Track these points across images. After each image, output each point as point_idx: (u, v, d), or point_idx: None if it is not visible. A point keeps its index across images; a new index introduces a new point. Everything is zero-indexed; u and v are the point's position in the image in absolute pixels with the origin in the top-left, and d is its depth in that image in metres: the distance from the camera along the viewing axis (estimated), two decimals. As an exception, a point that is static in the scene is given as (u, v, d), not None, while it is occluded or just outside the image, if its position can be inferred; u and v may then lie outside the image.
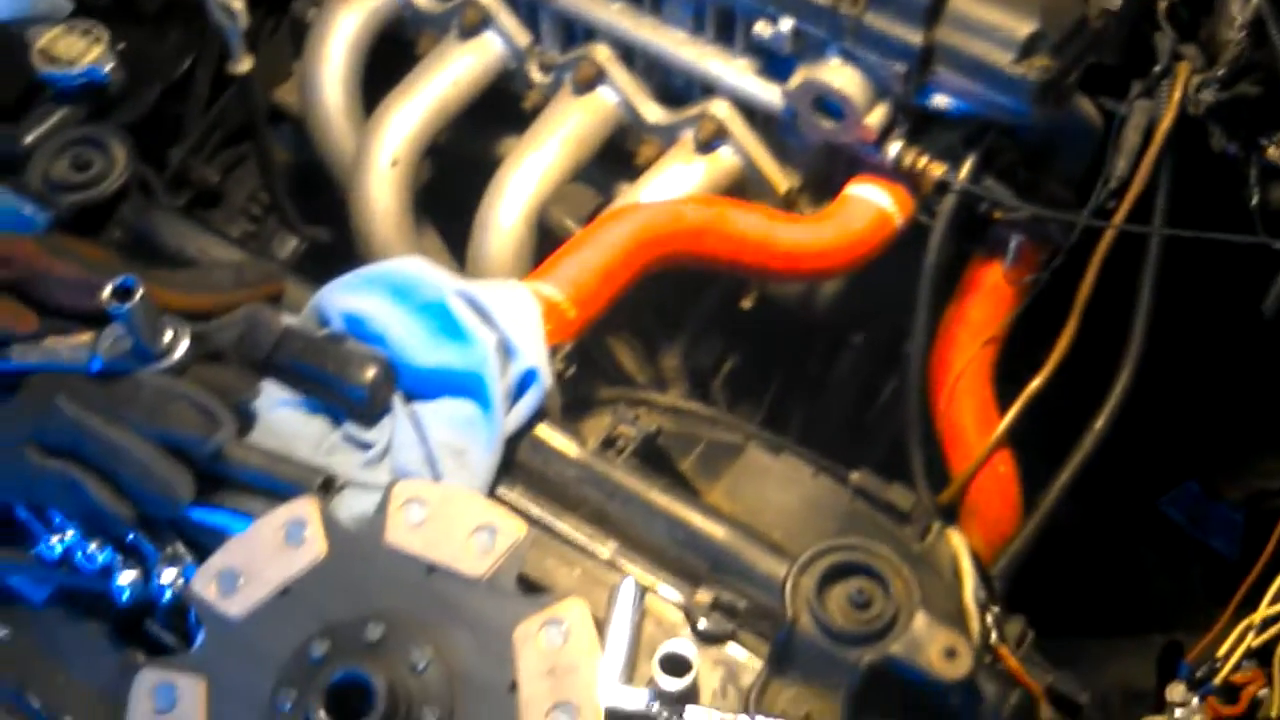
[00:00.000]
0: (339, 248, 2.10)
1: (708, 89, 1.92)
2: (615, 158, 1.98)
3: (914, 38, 1.68)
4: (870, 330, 2.14)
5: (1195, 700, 1.39)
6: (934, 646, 1.24)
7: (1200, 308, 1.91)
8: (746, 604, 1.35)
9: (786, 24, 1.76)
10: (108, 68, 1.81)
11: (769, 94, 1.86)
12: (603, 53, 1.95)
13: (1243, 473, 2.15)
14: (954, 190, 1.78)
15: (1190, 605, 2.00)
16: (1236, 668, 1.39)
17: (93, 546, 1.39)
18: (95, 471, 1.37)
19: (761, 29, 1.79)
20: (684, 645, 1.23)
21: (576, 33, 2.00)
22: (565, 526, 1.43)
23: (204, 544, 1.37)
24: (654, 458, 1.55)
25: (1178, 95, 1.67)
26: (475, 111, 2.04)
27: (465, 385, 1.47)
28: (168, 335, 1.43)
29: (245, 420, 1.45)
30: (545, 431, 1.49)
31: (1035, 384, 1.77)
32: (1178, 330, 1.82)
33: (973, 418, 1.81)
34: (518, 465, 1.47)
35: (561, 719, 1.20)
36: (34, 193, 1.66)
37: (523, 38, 2.01)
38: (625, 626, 1.29)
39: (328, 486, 1.39)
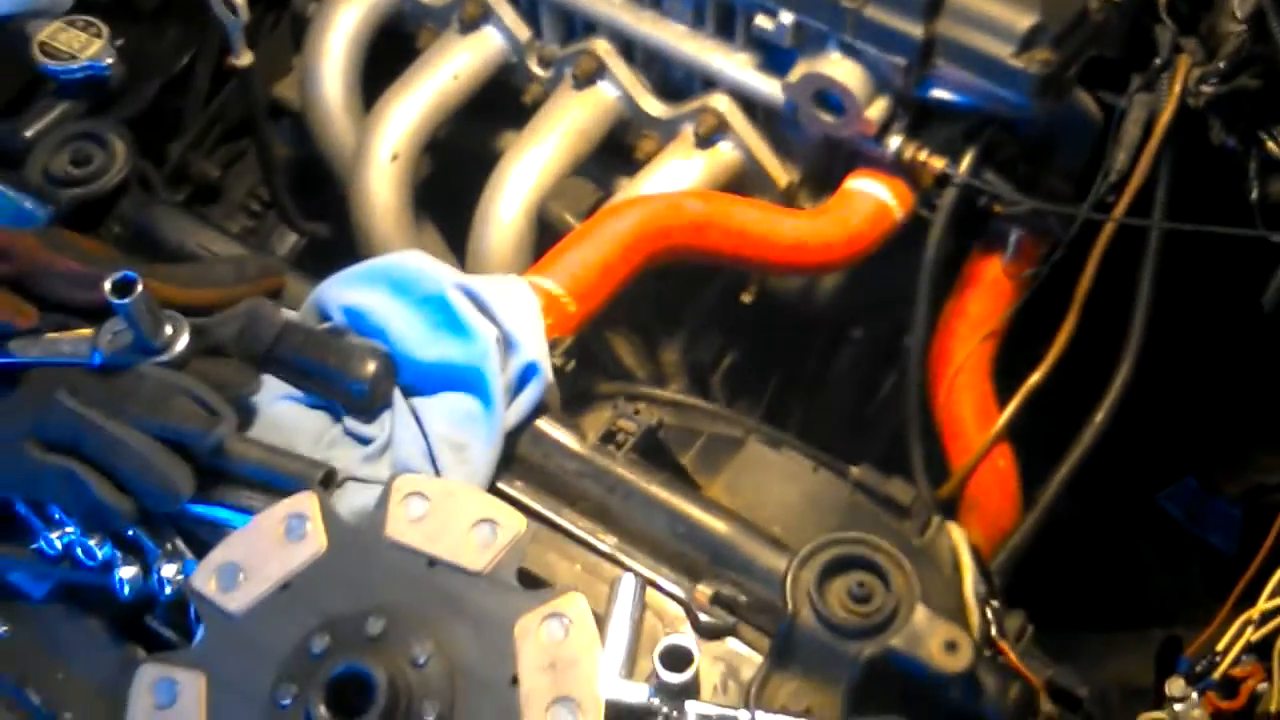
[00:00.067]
0: (339, 243, 2.10)
1: (708, 83, 1.92)
2: (615, 152, 1.98)
3: (914, 30, 1.68)
4: (870, 324, 2.14)
5: (1194, 695, 1.39)
6: (934, 640, 1.24)
7: (1200, 302, 1.91)
8: (747, 598, 1.35)
9: (787, 17, 1.76)
10: (108, 62, 1.81)
11: (769, 88, 1.86)
12: (603, 47, 1.95)
13: (1241, 468, 2.15)
14: (954, 184, 1.78)
15: (1189, 600, 2.00)
16: (1235, 662, 1.39)
17: (93, 542, 1.38)
18: (95, 466, 1.37)
19: (762, 22, 1.78)
20: (685, 639, 1.23)
21: (576, 27, 2.00)
22: (566, 521, 1.43)
23: (204, 539, 1.37)
24: (654, 452, 1.55)
25: (1178, 88, 1.67)
26: (475, 106, 2.04)
27: (465, 379, 1.47)
28: (168, 329, 1.42)
29: (245, 415, 1.45)
30: (546, 425, 1.49)
31: (1035, 378, 1.77)
32: (1177, 324, 1.81)
33: (972, 412, 1.81)
34: (518, 459, 1.47)
35: (562, 713, 1.20)
36: (34, 187, 1.66)
37: (523, 32, 2.01)
38: (626, 621, 1.29)
39: (328, 481, 1.39)
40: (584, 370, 1.62)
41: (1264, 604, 1.42)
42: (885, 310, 2.01)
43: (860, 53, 1.74)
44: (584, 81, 1.95)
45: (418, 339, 1.49)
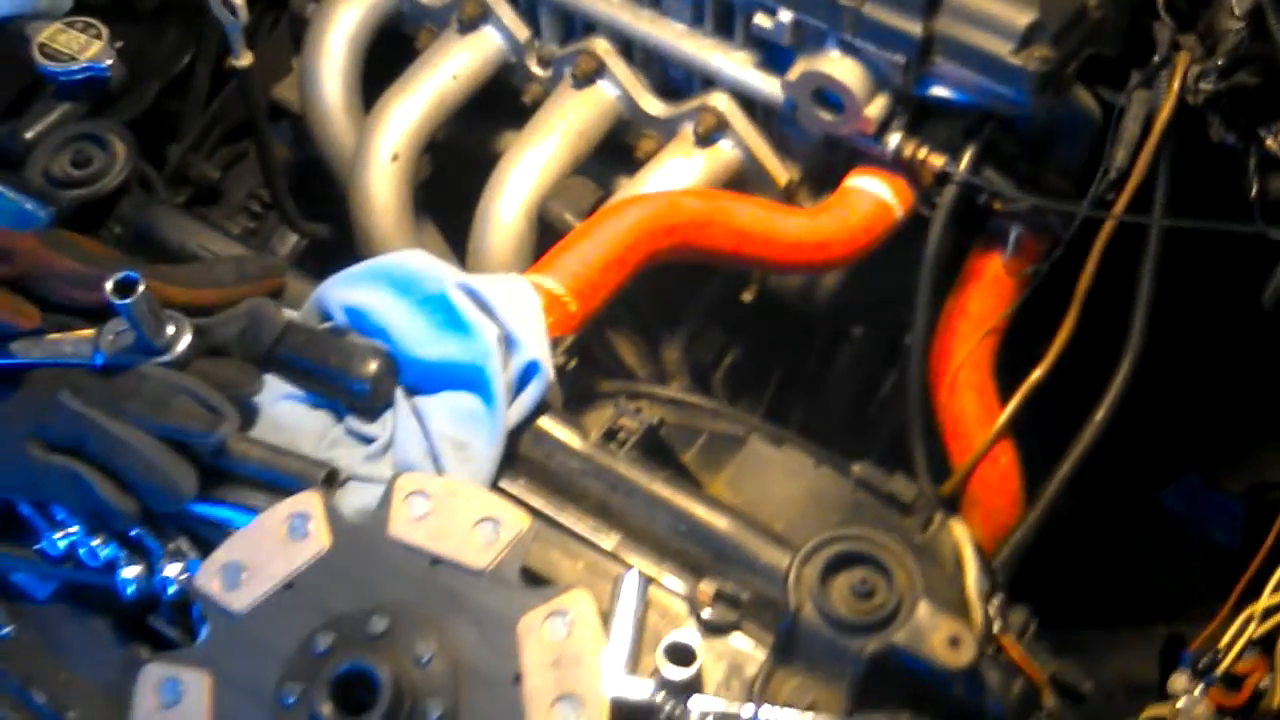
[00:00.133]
0: (339, 243, 2.10)
1: (707, 82, 1.92)
2: (615, 151, 1.98)
3: (913, 28, 1.68)
4: (871, 323, 2.14)
5: (1198, 690, 1.39)
6: (937, 635, 1.24)
7: (1200, 299, 1.92)
8: (750, 594, 1.35)
9: (786, 15, 1.76)
10: (107, 63, 1.81)
11: (769, 86, 1.86)
12: (602, 46, 1.95)
13: (1243, 464, 2.15)
14: (954, 181, 1.78)
15: (1192, 597, 2.00)
16: (1239, 657, 1.40)
17: (96, 542, 1.39)
18: (98, 467, 1.37)
19: (761, 21, 1.78)
20: (688, 635, 1.23)
21: (576, 26, 2.00)
22: (568, 519, 1.43)
23: (207, 538, 1.37)
24: (656, 450, 1.55)
25: (1176, 85, 1.66)
26: (475, 106, 2.04)
27: (467, 378, 1.47)
28: (170, 330, 1.43)
29: (248, 415, 1.45)
30: (547, 424, 1.49)
31: (1036, 375, 1.77)
32: (1178, 321, 1.81)
33: (974, 409, 1.81)
34: (520, 458, 1.47)
35: (566, 710, 1.20)
36: (35, 189, 1.66)
37: (522, 32, 2.01)
38: (629, 618, 1.30)
39: (331, 480, 1.39)
40: (585, 369, 1.62)
41: (1267, 599, 1.42)
42: (886, 308, 2.01)
43: (859, 51, 1.74)
44: (583, 81, 1.95)
45: (419, 338, 1.49)
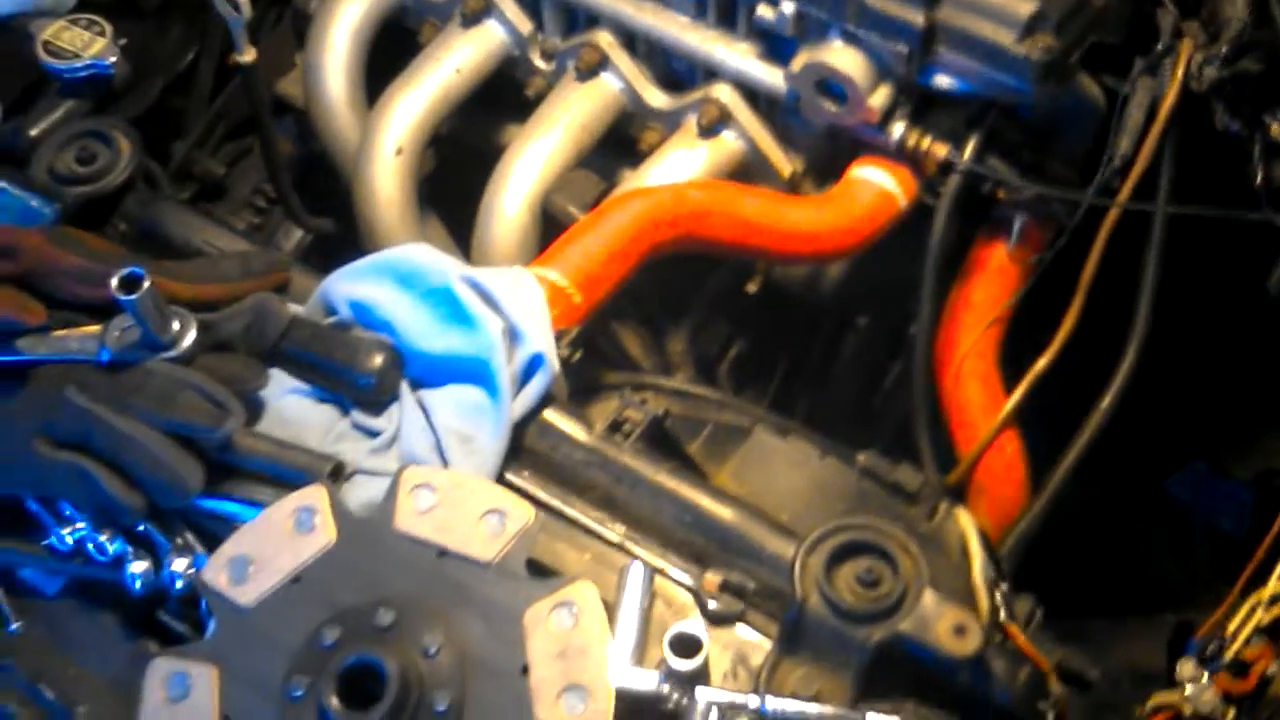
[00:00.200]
0: (344, 238, 2.10)
1: (710, 73, 1.92)
2: (619, 144, 1.98)
3: (916, 18, 1.68)
4: (876, 313, 2.14)
5: (1205, 677, 1.39)
6: (943, 624, 1.24)
7: (1205, 286, 1.91)
8: (755, 584, 1.36)
9: (788, 6, 1.76)
10: (111, 60, 1.82)
11: (772, 77, 1.86)
12: (605, 39, 1.95)
13: (1250, 451, 2.15)
14: (958, 171, 1.78)
15: (1198, 584, 2.00)
16: (1246, 644, 1.39)
17: (104, 537, 1.39)
18: (105, 462, 1.37)
19: (764, 12, 1.79)
20: (694, 626, 1.23)
21: (578, 19, 2.00)
22: (574, 510, 1.43)
23: (214, 533, 1.38)
24: (661, 441, 1.55)
25: (1180, 73, 1.66)
26: (479, 99, 2.05)
27: (472, 371, 1.47)
28: (175, 325, 1.43)
29: (253, 409, 1.46)
30: (553, 416, 1.49)
31: (1041, 363, 1.76)
32: (1183, 309, 1.81)
33: (979, 398, 1.81)
34: (526, 450, 1.47)
35: (573, 701, 1.20)
36: (40, 185, 1.67)
37: (525, 25, 2.01)
38: (635, 609, 1.30)
39: (337, 474, 1.40)
40: (591, 361, 1.62)
41: (1274, 586, 1.42)
42: (891, 298, 2.01)
43: (862, 41, 1.74)
44: (586, 74, 1.95)
45: (424, 331, 1.49)
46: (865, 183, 1.83)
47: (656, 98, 1.95)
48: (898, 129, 1.80)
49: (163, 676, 1.26)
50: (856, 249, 1.84)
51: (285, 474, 1.39)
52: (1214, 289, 1.92)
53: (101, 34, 1.82)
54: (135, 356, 1.42)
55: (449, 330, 1.49)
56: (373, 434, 1.47)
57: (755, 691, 1.25)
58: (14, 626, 1.41)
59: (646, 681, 1.23)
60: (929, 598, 1.26)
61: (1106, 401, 1.76)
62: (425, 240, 1.88)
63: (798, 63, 1.78)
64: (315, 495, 1.34)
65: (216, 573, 1.31)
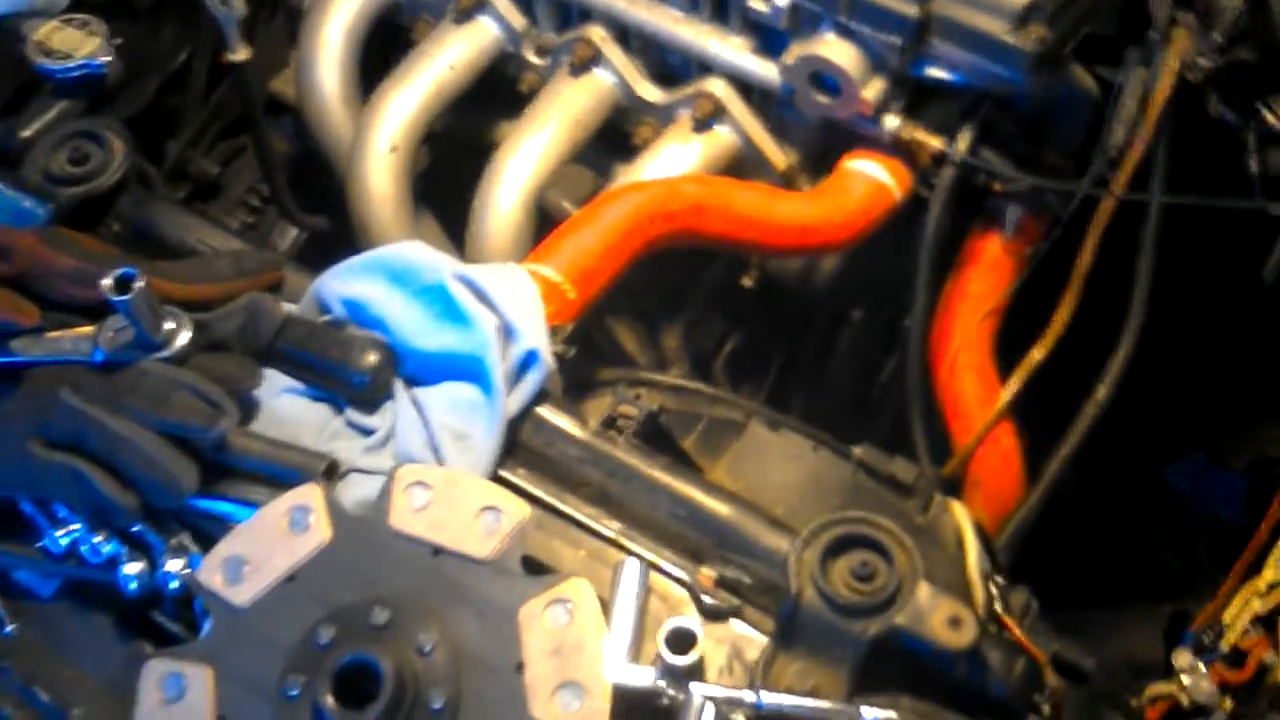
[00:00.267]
0: (340, 236, 2.10)
1: (704, 67, 1.92)
2: (612, 139, 1.98)
3: (909, 10, 1.68)
4: (872, 306, 2.14)
5: (1202, 666, 1.39)
6: (938, 616, 1.24)
7: (1201, 276, 1.91)
8: (750, 579, 1.36)
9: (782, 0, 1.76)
10: (104, 60, 1.82)
11: (765, 71, 1.86)
12: (598, 34, 1.95)
13: (1247, 440, 2.15)
14: (952, 163, 1.78)
15: (1197, 574, 1.99)
16: (1242, 634, 1.39)
17: (98, 539, 1.39)
18: (99, 463, 1.37)
19: (757, 5, 1.79)
20: (689, 621, 1.23)
21: (572, 14, 2.00)
22: (569, 506, 1.43)
23: (209, 533, 1.38)
24: (656, 436, 1.55)
25: (1174, 63, 1.66)
26: (472, 96, 2.04)
27: (466, 368, 1.47)
28: (169, 325, 1.43)
29: (248, 409, 1.46)
30: (547, 412, 1.49)
31: (1036, 355, 1.76)
32: (1179, 299, 1.81)
33: (974, 390, 1.81)
34: (520, 447, 1.47)
35: (568, 698, 1.20)
36: (33, 186, 1.67)
37: (518, 20, 2.01)
38: (630, 604, 1.30)
39: (331, 472, 1.40)
40: (586, 357, 1.62)
41: (1269, 575, 1.42)
42: (886, 291, 2.01)
43: (855, 33, 1.74)
44: (580, 69, 1.95)
45: (418, 329, 1.49)
46: (859, 175, 1.83)
47: (650, 92, 1.95)
48: (891, 121, 1.79)
49: (158, 677, 1.26)
50: (851, 242, 1.84)
51: (280, 473, 1.39)
52: (1209, 278, 1.92)
53: (94, 34, 1.82)
54: (129, 357, 1.42)
55: (443, 327, 1.49)
56: (367, 432, 1.47)
57: (751, 686, 1.25)
58: (9, 629, 1.41)
59: (642, 677, 1.23)
60: (924, 591, 1.26)
61: (1102, 392, 1.76)
62: (420, 237, 1.88)
63: (791, 56, 1.78)
64: (310, 494, 1.34)
65: (211, 573, 1.31)
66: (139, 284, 1.36)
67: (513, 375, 1.47)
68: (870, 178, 1.82)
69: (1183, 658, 1.40)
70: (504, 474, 1.44)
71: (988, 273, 1.85)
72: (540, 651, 1.22)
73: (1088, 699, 1.39)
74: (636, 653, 1.27)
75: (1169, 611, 1.71)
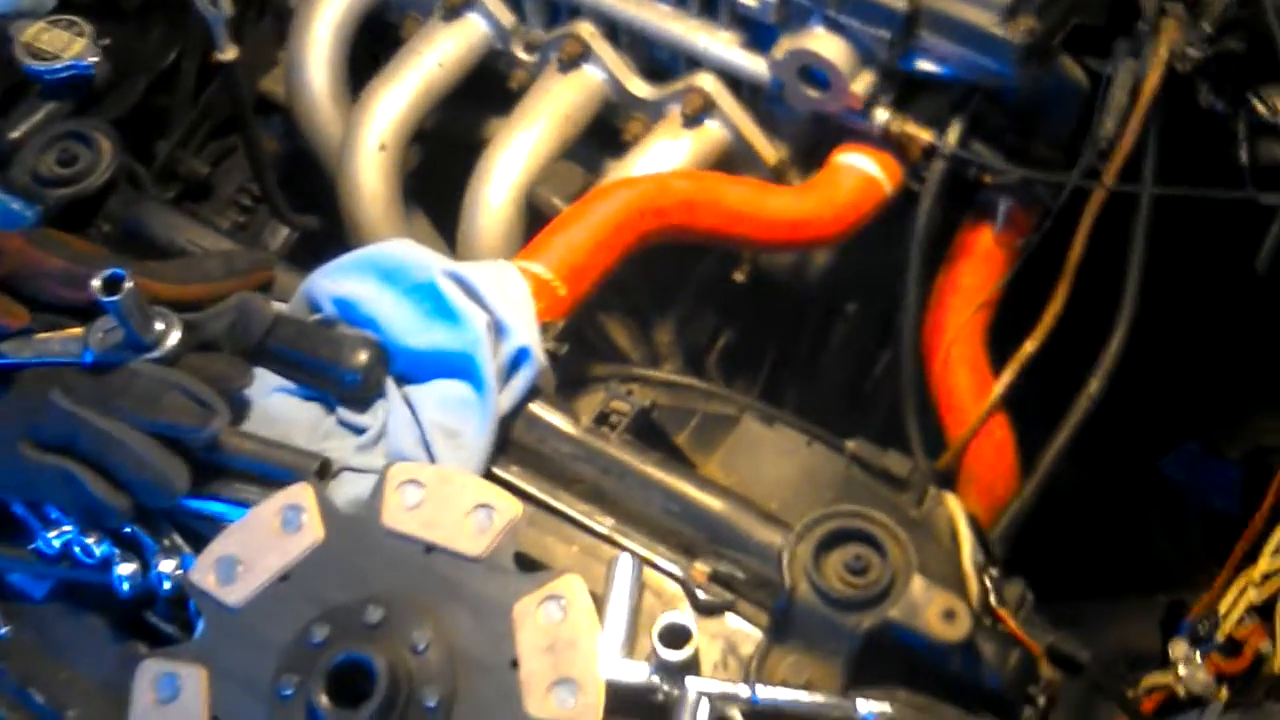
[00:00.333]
0: (331, 235, 2.09)
1: (693, 62, 1.92)
2: (603, 135, 1.98)
3: (898, 3, 1.68)
4: (864, 299, 2.14)
5: (1198, 657, 1.39)
6: (932, 609, 1.24)
7: (1193, 266, 1.91)
8: (744, 574, 1.35)
9: (770, -7, 1.76)
10: (91, 61, 1.81)
11: (755, 65, 1.86)
12: (587, 30, 1.94)
13: (1241, 430, 2.15)
14: (942, 155, 1.78)
15: (1192, 565, 2.00)
16: (1238, 623, 1.40)
17: (91, 540, 1.39)
18: (91, 465, 1.37)
19: None
20: (683, 617, 1.23)
21: (560, 10, 2.00)
22: (562, 503, 1.42)
23: (201, 533, 1.37)
24: (649, 432, 1.55)
25: (1164, 53, 1.66)
26: (462, 93, 2.04)
27: (457, 366, 1.47)
28: (158, 326, 1.43)
29: (239, 408, 1.45)
30: (539, 409, 1.48)
31: (1029, 347, 1.76)
32: (1171, 290, 1.81)
33: (968, 383, 1.81)
34: (513, 444, 1.47)
35: (563, 694, 1.20)
36: (21, 188, 1.66)
37: (507, 17, 2.01)
38: (624, 600, 1.30)
39: (323, 471, 1.39)
40: (578, 354, 1.62)
41: (1264, 564, 1.42)
42: (878, 285, 2.01)
43: (844, 27, 1.74)
44: (569, 65, 1.95)
45: (408, 327, 1.49)
46: (849, 169, 1.83)
47: (640, 88, 1.94)
48: (881, 115, 1.79)
49: (152, 678, 1.26)
50: (842, 236, 1.84)
51: (272, 472, 1.38)
52: (1201, 269, 1.92)
53: (81, 35, 1.82)
54: (119, 358, 1.42)
55: (433, 325, 1.49)
56: (359, 431, 1.46)
57: (745, 681, 1.25)
58: (3, 631, 1.41)
59: (636, 673, 1.23)
60: (918, 584, 1.25)
61: (1095, 384, 1.76)
62: (411, 235, 1.88)
63: (780, 50, 1.78)
64: (302, 493, 1.33)
65: (204, 573, 1.30)
66: (128, 285, 1.36)
67: (504, 372, 1.47)
68: (861, 171, 1.82)
69: (1179, 648, 1.40)
70: (496, 471, 1.44)
71: (979, 265, 1.85)
72: (534, 648, 1.22)
73: (1084, 690, 1.39)
74: (631, 648, 1.27)
75: (1165, 602, 1.71)
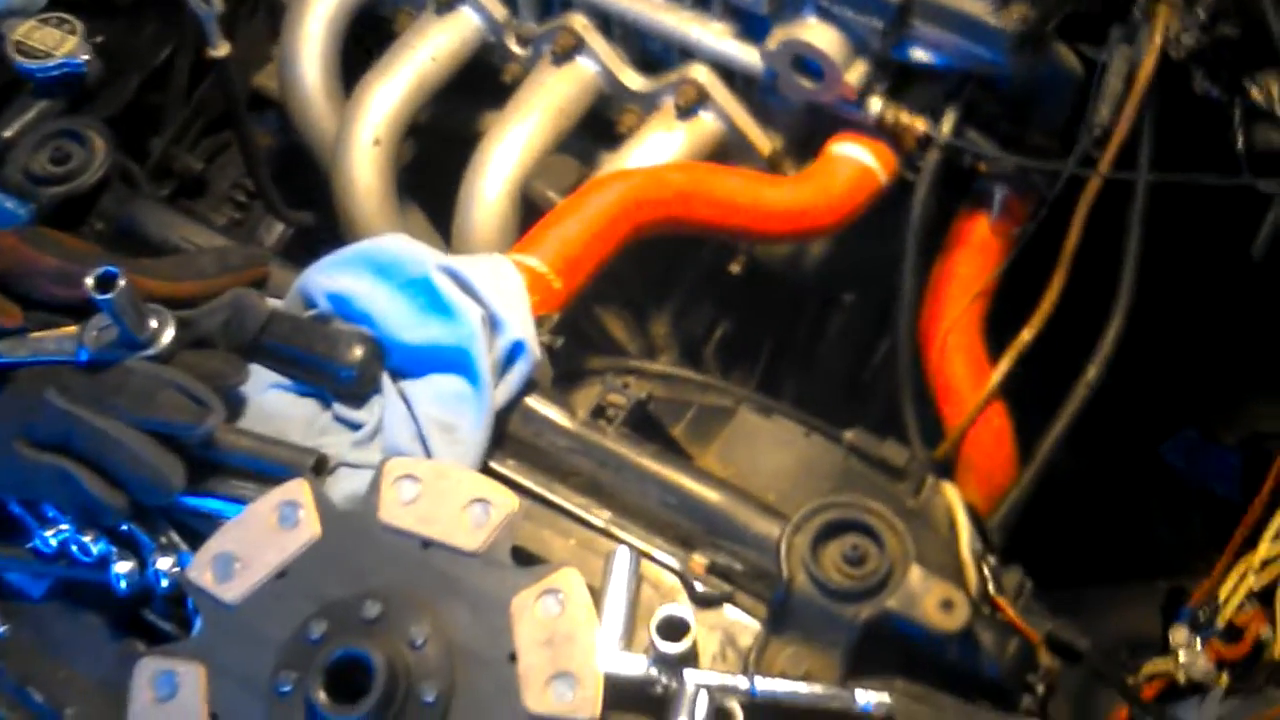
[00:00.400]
0: (327, 230, 2.09)
1: (687, 54, 1.91)
2: (597, 127, 1.97)
3: (890, -8, 1.68)
4: (861, 289, 2.13)
5: (1198, 643, 1.39)
6: (930, 599, 1.24)
7: (1189, 253, 1.91)
8: (742, 566, 1.35)
9: (763, -16, 1.76)
10: (83, 58, 1.81)
11: (748, 56, 1.85)
12: (580, 22, 1.94)
13: (1239, 416, 2.15)
14: (937, 144, 1.78)
15: (1192, 551, 1.99)
16: (1238, 609, 1.39)
17: (88, 538, 1.39)
18: (87, 463, 1.36)
19: (738, -10, 1.78)
20: (681, 609, 1.23)
21: (553, 3, 2.00)
22: (558, 497, 1.42)
23: (198, 530, 1.37)
24: (645, 425, 1.55)
25: (1158, 39, 1.66)
26: (456, 87, 2.04)
27: (453, 361, 1.46)
28: (153, 323, 1.42)
29: (235, 405, 1.45)
30: (535, 403, 1.48)
31: (1026, 335, 1.76)
32: (1168, 277, 1.81)
33: (965, 372, 1.81)
34: (509, 438, 1.47)
35: (561, 688, 1.20)
36: (14, 187, 1.66)
37: (499, 10, 2.00)
38: (622, 593, 1.29)
39: (319, 467, 1.39)
40: (574, 347, 1.62)
41: (1264, 550, 1.42)
42: (875, 275, 2.01)
43: (837, 17, 1.73)
44: (562, 58, 1.94)
45: (403, 322, 1.49)
46: (844, 159, 1.83)
47: (633, 80, 1.94)
48: (875, 104, 1.79)
49: (150, 676, 1.26)
50: (837, 226, 1.84)
51: (268, 469, 1.38)
52: (1197, 256, 1.91)
53: (73, 32, 1.81)
54: (114, 356, 1.42)
55: (428, 320, 1.48)
56: (355, 426, 1.46)
57: (744, 672, 1.25)
58: (1, 630, 1.41)
59: (635, 666, 1.23)
60: (915, 573, 1.25)
61: (1093, 371, 1.75)
62: (407, 230, 1.88)
63: (773, 40, 1.78)
64: (298, 490, 1.33)
65: (201, 570, 1.30)
66: (122, 282, 1.35)
67: (499, 366, 1.47)
68: (855, 161, 1.82)
69: (1179, 635, 1.40)
70: (493, 465, 1.44)
71: (975, 254, 1.85)
72: (532, 642, 1.22)
73: (1084, 678, 1.39)
74: (629, 641, 1.27)
75: (1165, 589, 1.70)
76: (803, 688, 1.24)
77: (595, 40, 1.94)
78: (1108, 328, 1.76)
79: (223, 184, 2.19)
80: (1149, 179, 1.72)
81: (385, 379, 1.48)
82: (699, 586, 1.34)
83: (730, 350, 2.15)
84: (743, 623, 1.33)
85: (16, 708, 1.35)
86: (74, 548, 1.39)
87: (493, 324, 1.48)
